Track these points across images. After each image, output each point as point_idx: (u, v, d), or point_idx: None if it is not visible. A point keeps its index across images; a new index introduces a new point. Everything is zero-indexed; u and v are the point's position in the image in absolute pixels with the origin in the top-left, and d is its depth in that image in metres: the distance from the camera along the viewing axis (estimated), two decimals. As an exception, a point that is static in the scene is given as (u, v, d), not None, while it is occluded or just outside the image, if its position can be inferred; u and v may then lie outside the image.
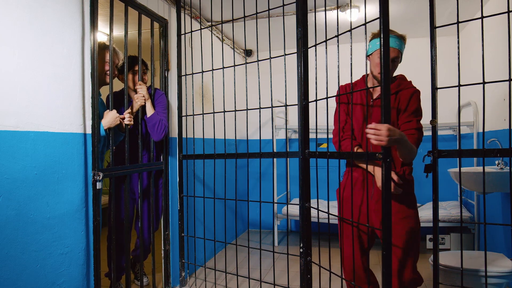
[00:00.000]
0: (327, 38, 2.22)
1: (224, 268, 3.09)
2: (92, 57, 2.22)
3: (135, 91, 2.78)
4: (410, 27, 4.08)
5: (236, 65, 2.84)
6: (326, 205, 4.39)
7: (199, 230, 3.46)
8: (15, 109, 1.76)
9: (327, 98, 2.24)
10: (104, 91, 2.61)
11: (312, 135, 4.60)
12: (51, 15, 1.96)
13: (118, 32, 3.62)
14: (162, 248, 3.02)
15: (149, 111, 2.79)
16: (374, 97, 2.15)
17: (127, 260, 2.53)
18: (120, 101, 2.77)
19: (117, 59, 2.54)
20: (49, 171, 1.94)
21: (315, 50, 2.39)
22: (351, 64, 2.07)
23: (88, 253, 2.17)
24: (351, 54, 2.07)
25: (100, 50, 2.41)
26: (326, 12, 3.62)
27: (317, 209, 2.28)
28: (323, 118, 2.57)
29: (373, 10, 3.54)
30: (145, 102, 2.75)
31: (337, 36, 2.15)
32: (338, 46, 2.17)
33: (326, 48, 2.27)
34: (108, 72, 2.45)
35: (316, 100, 2.35)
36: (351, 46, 2.06)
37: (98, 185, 2.19)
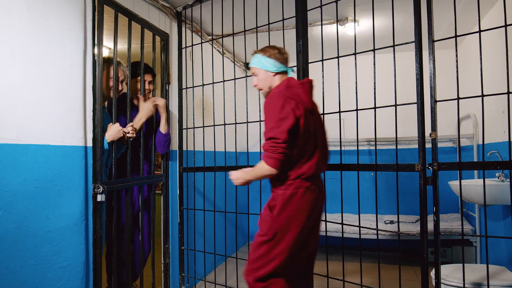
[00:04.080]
0: (339, 54, 2.25)
1: (224, 281, 3.06)
2: (94, 71, 2.24)
3: (137, 98, 2.79)
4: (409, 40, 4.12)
5: (237, 78, 2.86)
6: (328, 217, 4.37)
7: (199, 243, 3.44)
8: (17, 122, 1.77)
9: (339, 112, 2.25)
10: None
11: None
12: (54, 29, 1.99)
13: (120, 46, 3.66)
14: (162, 261, 3.00)
15: (164, 127, 2.84)
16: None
17: (127, 274, 2.51)
18: (121, 108, 2.73)
19: (122, 75, 2.53)
20: (50, 184, 1.94)
21: (322, 65, 2.42)
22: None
23: (87, 266, 2.15)
24: (375, 72, 2.09)
25: (105, 65, 2.40)
26: (325, 26, 3.66)
27: (325, 220, 2.28)
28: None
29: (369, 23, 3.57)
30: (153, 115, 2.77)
31: (354, 54, 2.20)
32: (355, 64, 2.19)
33: (338, 64, 2.31)
34: (113, 87, 2.47)
35: (322, 114, 2.37)
36: (374, 64, 2.08)
37: (99, 198, 2.19)
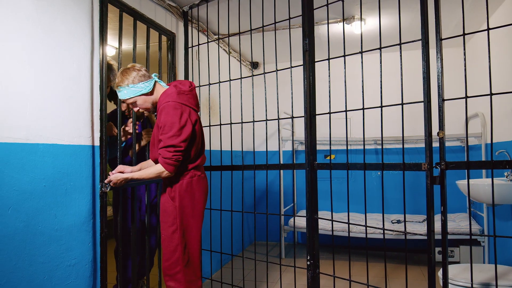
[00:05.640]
0: (345, 52, 2.24)
1: (231, 280, 3.07)
2: (101, 71, 2.25)
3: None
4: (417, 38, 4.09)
5: (243, 78, 2.86)
6: (333, 217, 4.36)
7: (206, 242, 3.45)
8: (26, 122, 1.79)
9: (346, 111, 2.24)
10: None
11: (318, 147, 4.59)
12: (61, 29, 2.00)
13: (126, 45, 3.68)
14: (169, 260, 3.01)
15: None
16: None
17: (133, 272, 2.53)
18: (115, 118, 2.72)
19: (112, 77, 2.55)
20: (58, 183, 1.95)
21: (328, 64, 2.41)
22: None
23: (95, 265, 2.17)
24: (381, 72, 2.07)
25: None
26: (332, 25, 3.65)
27: (331, 219, 2.27)
28: (327, 130, 2.59)
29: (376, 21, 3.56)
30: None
31: (361, 52, 2.19)
32: (362, 62, 2.18)
33: (344, 62, 2.30)
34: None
35: (329, 113, 2.36)
36: (380, 62, 2.07)
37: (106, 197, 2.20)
